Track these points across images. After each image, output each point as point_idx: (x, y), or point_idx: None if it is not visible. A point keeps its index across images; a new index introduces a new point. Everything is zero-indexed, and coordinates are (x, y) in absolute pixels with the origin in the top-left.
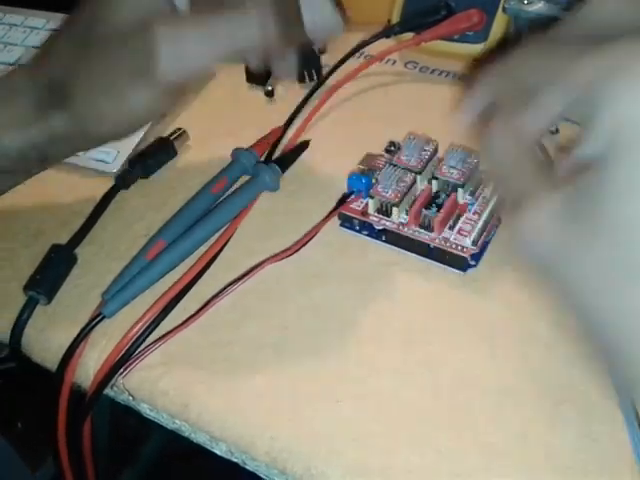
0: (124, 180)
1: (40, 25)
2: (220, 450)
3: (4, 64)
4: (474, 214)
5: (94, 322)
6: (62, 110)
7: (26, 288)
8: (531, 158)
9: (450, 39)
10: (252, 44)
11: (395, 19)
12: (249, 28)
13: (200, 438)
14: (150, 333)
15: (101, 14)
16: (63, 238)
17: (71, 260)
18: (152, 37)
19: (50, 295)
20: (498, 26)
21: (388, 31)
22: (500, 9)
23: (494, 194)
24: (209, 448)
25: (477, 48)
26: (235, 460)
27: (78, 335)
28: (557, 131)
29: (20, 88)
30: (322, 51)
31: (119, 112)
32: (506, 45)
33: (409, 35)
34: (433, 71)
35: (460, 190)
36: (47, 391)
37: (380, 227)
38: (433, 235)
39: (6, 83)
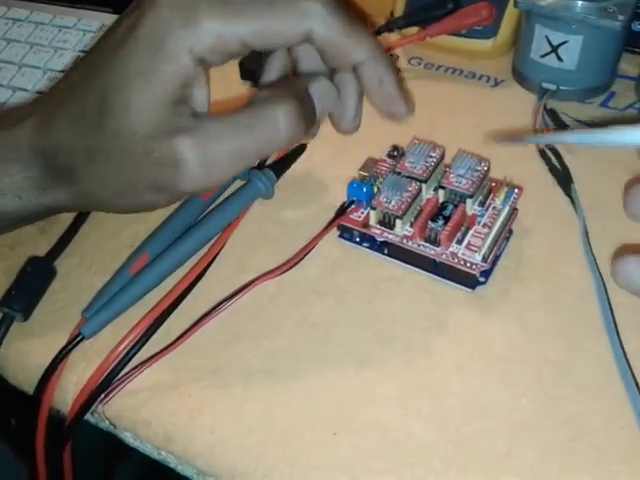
0: None
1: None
2: None
3: None
4: (484, 227)
5: (73, 343)
6: (65, 188)
7: (1, 304)
8: None
9: (457, 34)
10: (278, 149)
11: (398, 12)
12: (277, 136)
13: (187, 471)
14: (133, 356)
15: (113, 103)
16: (41, 249)
17: (50, 273)
18: (177, 151)
19: (27, 312)
20: (508, 21)
21: (391, 25)
22: (511, 3)
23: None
24: None
25: (486, 44)
26: None
27: (56, 357)
28: None
29: (20, 157)
30: None
31: (131, 208)
32: None
33: (413, 29)
34: (439, 68)
35: (469, 201)
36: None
37: (382, 239)
38: (439, 250)
39: (6, 145)
